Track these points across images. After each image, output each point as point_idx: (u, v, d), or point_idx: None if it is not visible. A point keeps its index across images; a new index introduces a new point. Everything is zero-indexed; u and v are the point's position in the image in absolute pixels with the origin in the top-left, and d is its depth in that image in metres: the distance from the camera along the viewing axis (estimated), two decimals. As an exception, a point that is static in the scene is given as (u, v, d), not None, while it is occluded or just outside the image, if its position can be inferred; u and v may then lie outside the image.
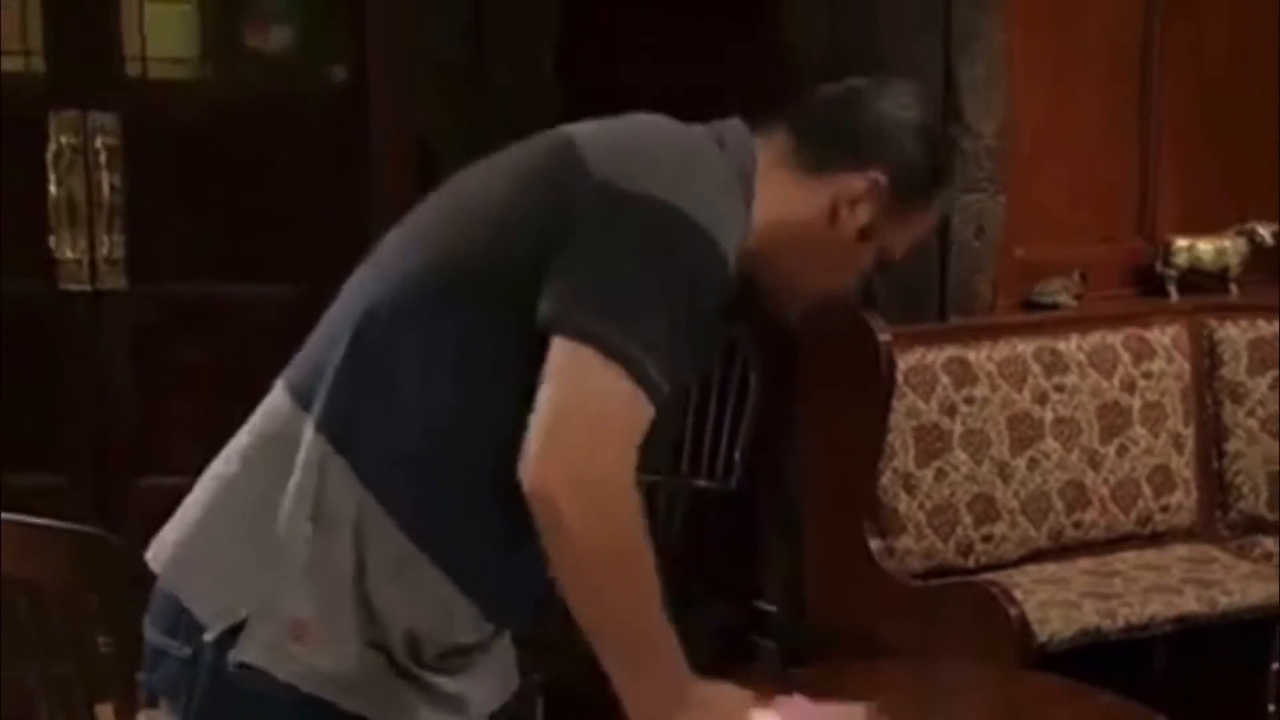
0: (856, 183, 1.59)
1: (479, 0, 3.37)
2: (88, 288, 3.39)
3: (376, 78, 3.37)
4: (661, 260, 1.44)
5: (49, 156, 3.35)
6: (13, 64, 3.66)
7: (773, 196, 1.57)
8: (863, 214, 1.60)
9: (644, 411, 1.42)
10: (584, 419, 1.40)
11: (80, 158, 3.38)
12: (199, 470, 1.60)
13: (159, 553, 1.53)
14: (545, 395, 1.40)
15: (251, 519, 1.47)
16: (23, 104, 3.40)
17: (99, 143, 3.31)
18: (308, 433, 1.47)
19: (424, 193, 3.43)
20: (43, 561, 2.17)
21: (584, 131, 1.53)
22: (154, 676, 1.51)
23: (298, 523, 1.45)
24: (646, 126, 1.56)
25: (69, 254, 3.39)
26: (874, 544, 3.08)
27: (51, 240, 3.37)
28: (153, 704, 1.52)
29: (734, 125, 1.62)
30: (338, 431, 1.46)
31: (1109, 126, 3.56)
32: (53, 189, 3.35)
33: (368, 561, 1.46)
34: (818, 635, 3.19)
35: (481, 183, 1.54)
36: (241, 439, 1.55)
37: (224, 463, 1.54)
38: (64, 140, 3.36)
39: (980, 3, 3.27)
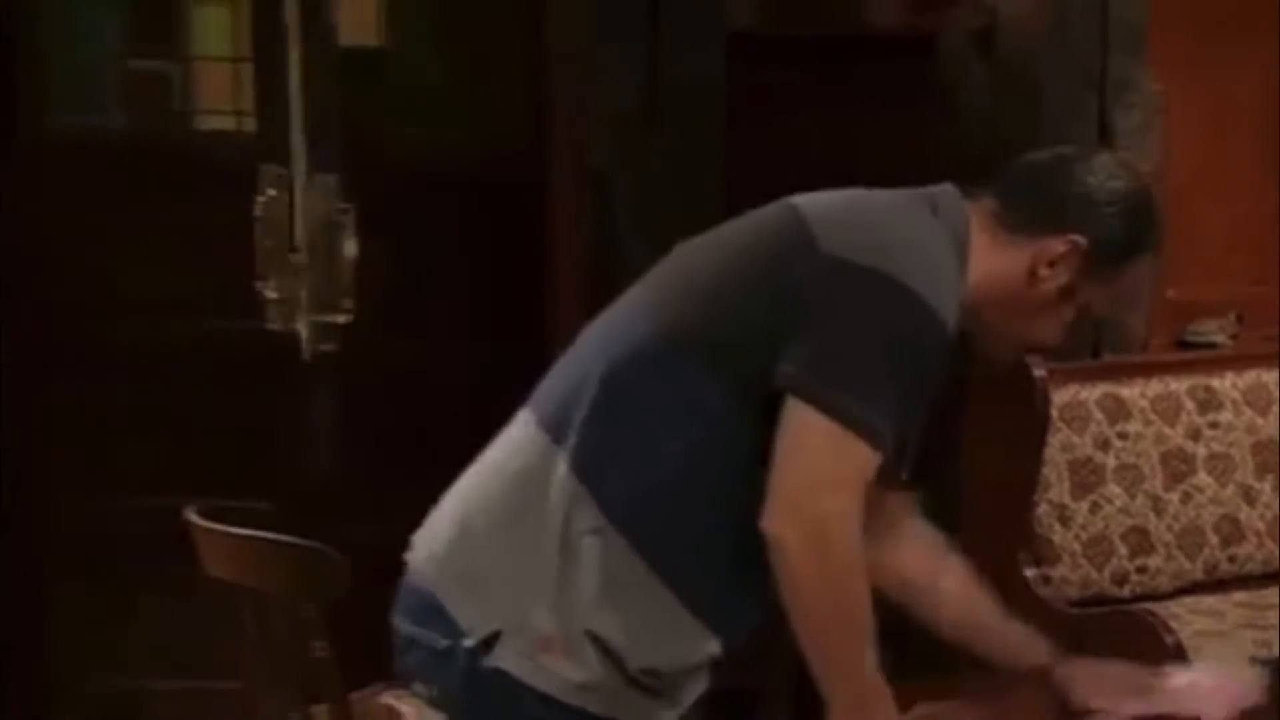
0: (1057, 246, 1.71)
1: (654, 50, 3.55)
2: (287, 329, 3.63)
3: (556, 126, 3.58)
4: (885, 329, 1.61)
5: (257, 209, 3.63)
6: (224, 123, 3.99)
7: (980, 257, 1.72)
8: (1061, 275, 1.72)
9: (869, 462, 1.61)
10: (813, 471, 1.59)
11: (287, 212, 3.64)
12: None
13: (418, 556, 1.72)
14: (780, 451, 1.59)
15: (506, 541, 1.67)
16: (234, 159, 3.69)
17: (319, 203, 3.42)
18: (560, 468, 1.66)
19: (599, 234, 3.61)
20: (266, 572, 2.41)
21: (810, 205, 1.70)
22: (405, 661, 1.71)
23: (547, 549, 1.65)
24: (870, 200, 1.72)
25: (273, 295, 3.65)
26: (1029, 572, 3.19)
27: (258, 285, 3.63)
28: (402, 684, 1.71)
29: (947, 191, 1.75)
30: (586, 470, 1.65)
31: (1263, 170, 3.62)
32: (262, 239, 3.63)
33: (608, 586, 1.64)
34: (974, 659, 3.30)
35: (709, 250, 1.73)
36: (494, 464, 1.73)
37: (479, 484, 1.73)
38: (271, 193, 3.63)
39: (1134, 53, 3.38)
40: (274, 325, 3.59)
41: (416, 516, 1.91)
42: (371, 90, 3.78)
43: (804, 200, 1.72)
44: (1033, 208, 1.73)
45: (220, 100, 3.93)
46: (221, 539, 2.43)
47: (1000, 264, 1.72)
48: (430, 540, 1.74)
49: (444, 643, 1.67)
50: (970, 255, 1.71)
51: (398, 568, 1.83)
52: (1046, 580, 3.22)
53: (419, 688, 1.68)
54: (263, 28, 3.67)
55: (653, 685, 1.69)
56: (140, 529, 3.35)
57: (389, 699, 1.52)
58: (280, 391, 3.61)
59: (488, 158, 3.80)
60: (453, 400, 3.56)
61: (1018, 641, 1.92)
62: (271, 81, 3.70)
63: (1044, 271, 1.72)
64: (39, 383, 3.54)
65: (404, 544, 1.84)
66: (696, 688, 1.75)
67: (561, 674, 1.64)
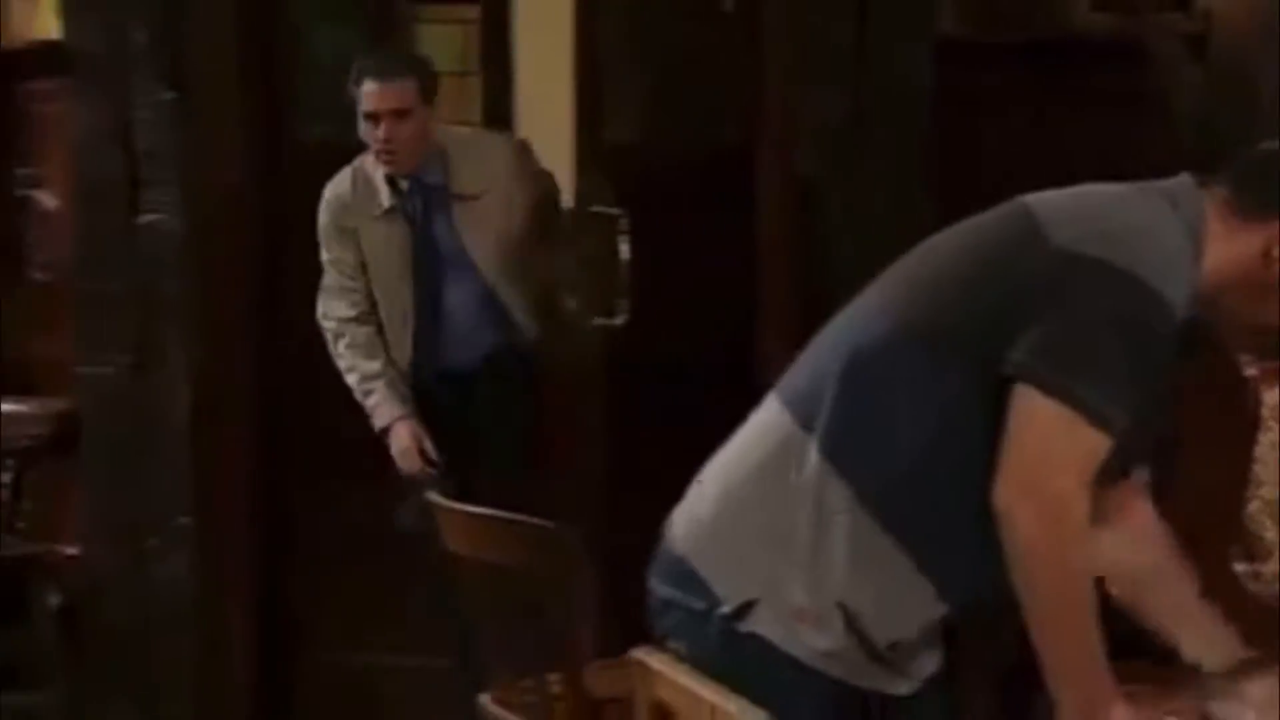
0: None
1: (863, 57, 3.61)
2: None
3: (766, 132, 3.66)
4: (1113, 318, 1.70)
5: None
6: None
7: (1215, 243, 1.79)
8: None
9: (1098, 447, 1.69)
10: (1044, 453, 1.69)
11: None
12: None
13: (677, 527, 1.87)
14: (1012, 433, 1.69)
15: (760, 518, 1.80)
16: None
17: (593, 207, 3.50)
18: (811, 454, 1.78)
19: (807, 239, 3.64)
20: (504, 549, 2.58)
21: (1041, 200, 1.80)
22: (663, 621, 1.84)
23: (800, 526, 1.77)
24: (1099, 193, 1.81)
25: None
26: (1240, 568, 3.20)
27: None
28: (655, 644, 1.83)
29: (1182, 181, 1.83)
30: (836, 454, 1.77)
31: None
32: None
33: (858, 563, 1.76)
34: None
35: (944, 247, 1.84)
36: (746, 446, 1.86)
37: (733, 464, 1.86)
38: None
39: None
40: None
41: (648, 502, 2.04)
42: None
43: (1034, 198, 1.81)
44: (1265, 191, 1.80)
45: (448, 112, 4.16)
46: (463, 518, 2.62)
47: (1235, 249, 1.79)
48: (689, 514, 1.87)
49: (700, 606, 1.80)
50: (1206, 242, 1.79)
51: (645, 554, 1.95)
52: (1257, 576, 3.23)
53: (674, 645, 1.80)
54: (491, 43, 3.89)
55: (893, 659, 1.80)
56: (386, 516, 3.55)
57: (641, 655, 1.65)
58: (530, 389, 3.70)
59: (699, 164, 3.92)
60: (668, 397, 3.69)
61: (1215, 640, 1.97)
62: (498, 92, 3.94)
63: (1277, 252, 1.78)
64: (292, 380, 3.77)
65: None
66: (930, 664, 1.86)
67: (810, 642, 1.77)
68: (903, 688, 1.82)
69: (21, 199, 4.06)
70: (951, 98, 3.55)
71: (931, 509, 1.77)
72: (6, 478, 3.77)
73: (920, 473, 1.76)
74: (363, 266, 3.39)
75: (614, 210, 3.22)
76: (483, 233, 3.40)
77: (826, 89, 3.55)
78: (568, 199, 3.58)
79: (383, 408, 3.37)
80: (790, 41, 3.58)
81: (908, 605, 1.78)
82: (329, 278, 3.42)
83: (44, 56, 3.85)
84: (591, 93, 3.27)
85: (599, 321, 3.14)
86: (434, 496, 2.69)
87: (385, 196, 3.37)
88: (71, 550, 3.86)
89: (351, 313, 3.40)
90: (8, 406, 3.84)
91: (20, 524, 3.77)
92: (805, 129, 3.59)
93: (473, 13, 4.00)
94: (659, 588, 1.85)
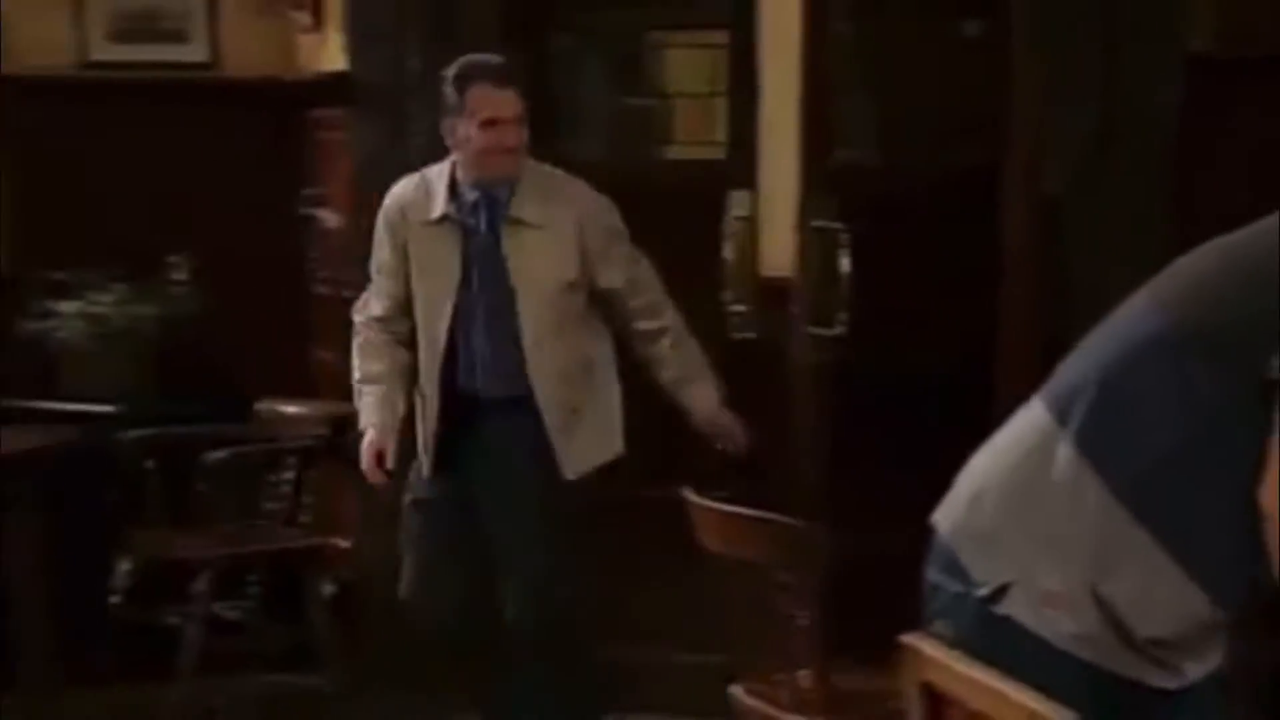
0: None
1: (1112, 76, 3.62)
2: (752, 336, 3.90)
3: (1013, 150, 3.66)
4: None
5: (725, 228, 3.98)
6: (696, 152, 4.40)
7: None
8: None
9: None
10: None
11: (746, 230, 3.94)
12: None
13: (944, 518, 1.99)
14: (1275, 438, 1.76)
15: (1016, 508, 1.90)
16: (706, 184, 4.06)
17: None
18: (1064, 447, 1.87)
19: (1051, 256, 3.63)
20: (754, 545, 2.71)
21: None
22: (932, 604, 1.96)
23: (1054, 517, 1.86)
24: None
25: (738, 308, 3.96)
26: None
27: (725, 295, 3.95)
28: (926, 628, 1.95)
29: None
30: (1090, 448, 1.85)
31: None
32: (727, 254, 3.98)
33: (1112, 554, 1.84)
34: None
35: (1209, 254, 1.92)
36: (1006, 443, 1.96)
37: (993, 458, 1.97)
38: (737, 213, 3.98)
39: None
40: (735, 334, 3.93)
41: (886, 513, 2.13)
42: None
43: None
44: None
45: (694, 132, 4.34)
46: (716, 515, 2.76)
47: None
48: (952, 505, 1.99)
49: (959, 589, 1.92)
50: None
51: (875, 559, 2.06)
52: None
53: (940, 625, 1.91)
54: (737, 67, 4.03)
55: (1156, 654, 1.86)
56: (637, 516, 3.70)
57: (910, 639, 1.75)
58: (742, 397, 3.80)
59: (945, 181, 3.98)
60: (896, 406, 3.76)
61: None
62: (742, 113, 4.07)
63: None
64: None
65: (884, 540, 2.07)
66: (1203, 663, 1.91)
67: (1059, 625, 1.85)
68: (1169, 682, 1.88)
69: (306, 218, 4.38)
70: (1201, 114, 3.53)
71: (1189, 505, 1.83)
72: (289, 475, 4.02)
73: (1176, 469, 1.82)
74: (406, 273, 3.34)
75: (835, 225, 3.30)
76: (528, 264, 3.28)
77: (1075, 108, 3.55)
78: (792, 215, 3.63)
79: (365, 412, 3.37)
80: (1040, 62, 3.59)
81: (1166, 598, 1.84)
82: (376, 280, 3.41)
83: (329, 87, 4.15)
84: (818, 113, 3.35)
85: (814, 331, 3.21)
86: (689, 495, 2.82)
87: (441, 203, 3.29)
88: (345, 543, 4.15)
89: (381, 313, 3.38)
90: (291, 409, 4.12)
91: (302, 518, 4.03)
92: (1052, 148, 3.59)
93: (722, 38, 4.15)
94: (929, 573, 1.96)
